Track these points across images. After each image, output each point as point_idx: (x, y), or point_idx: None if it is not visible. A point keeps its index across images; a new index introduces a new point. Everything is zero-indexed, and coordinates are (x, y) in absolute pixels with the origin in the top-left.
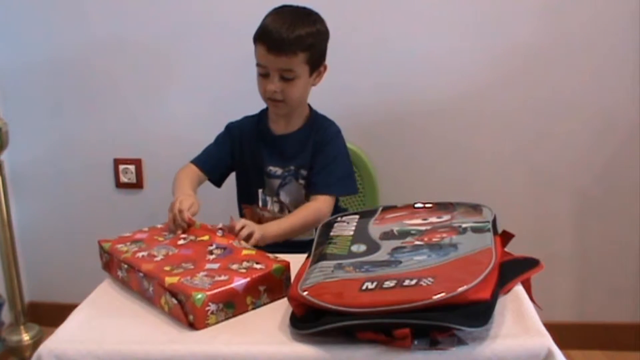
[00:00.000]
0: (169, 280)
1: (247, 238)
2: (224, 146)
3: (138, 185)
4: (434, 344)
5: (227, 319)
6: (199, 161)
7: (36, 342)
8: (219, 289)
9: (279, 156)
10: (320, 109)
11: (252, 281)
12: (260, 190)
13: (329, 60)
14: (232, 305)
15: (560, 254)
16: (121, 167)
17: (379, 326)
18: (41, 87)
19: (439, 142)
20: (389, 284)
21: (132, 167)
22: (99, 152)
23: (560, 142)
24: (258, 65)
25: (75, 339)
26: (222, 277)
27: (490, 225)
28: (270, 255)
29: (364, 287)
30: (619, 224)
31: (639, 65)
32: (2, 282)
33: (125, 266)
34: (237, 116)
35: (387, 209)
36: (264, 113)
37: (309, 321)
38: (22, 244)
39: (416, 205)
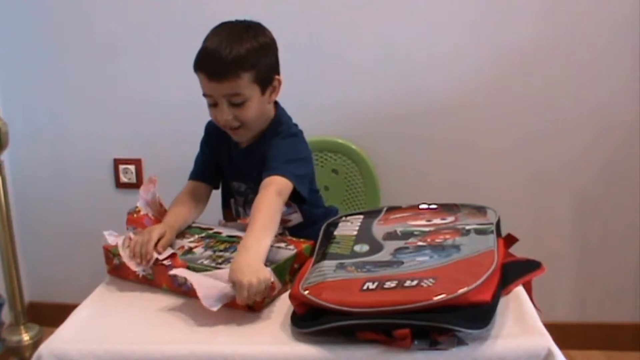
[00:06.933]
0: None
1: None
2: (208, 150)
3: (138, 185)
4: (434, 344)
5: (274, 298)
6: (194, 175)
7: (36, 342)
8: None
9: (239, 172)
10: (321, 109)
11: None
12: (232, 200)
13: (330, 60)
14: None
15: (560, 253)
16: (121, 167)
17: (379, 326)
18: (41, 87)
19: (439, 142)
20: (389, 284)
21: (132, 167)
22: (99, 152)
23: (561, 142)
24: (204, 95)
25: (76, 338)
26: None
27: (493, 227)
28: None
29: (364, 287)
30: (619, 224)
31: (639, 63)
32: (2, 282)
33: (151, 264)
34: None
35: (392, 209)
36: None
37: (310, 320)
38: (22, 244)
39: (421, 206)
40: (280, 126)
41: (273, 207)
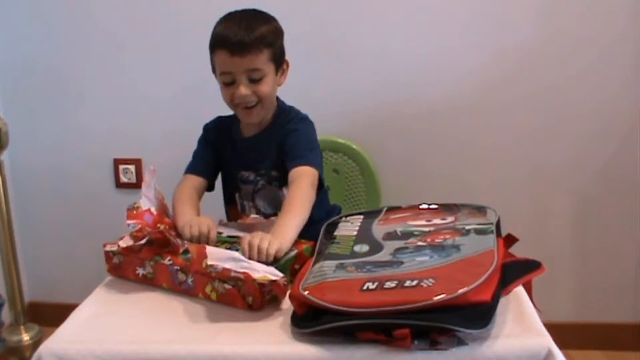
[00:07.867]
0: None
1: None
2: (208, 146)
3: (138, 185)
4: (434, 344)
5: (273, 297)
6: (193, 169)
7: (36, 342)
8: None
9: (248, 160)
10: (321, 108)
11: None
12: (237, 195)
13: (331, 59)
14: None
15: (560, 254)
16: (121, 167)
17: (379, 326)
18: (41, 87)
19: (440, 142)
20: (389, 284)
21: (132, 167)
22: (99, 152)
23: (561, 142)
24: (222, 74)
25: (76, 338)
26: None
27: (493, 227)
28: None
29: (364, 287)
30: (619, 224)
31: (639, 63)
32: (2, 282)
33: (151, 263)
34: None
35: (392, 209)
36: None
37: (309, 320)
38: (22, 244)
39: (421, 207)
40: (290, 112)
41: (307, 198)
